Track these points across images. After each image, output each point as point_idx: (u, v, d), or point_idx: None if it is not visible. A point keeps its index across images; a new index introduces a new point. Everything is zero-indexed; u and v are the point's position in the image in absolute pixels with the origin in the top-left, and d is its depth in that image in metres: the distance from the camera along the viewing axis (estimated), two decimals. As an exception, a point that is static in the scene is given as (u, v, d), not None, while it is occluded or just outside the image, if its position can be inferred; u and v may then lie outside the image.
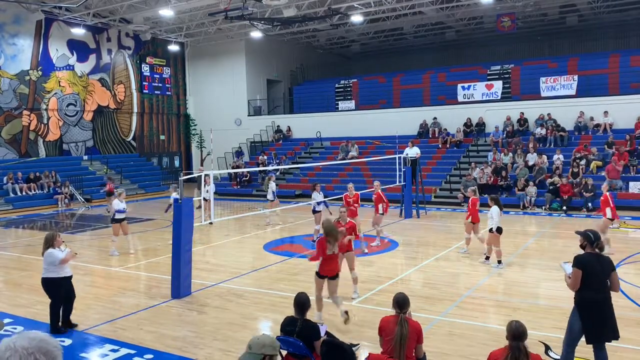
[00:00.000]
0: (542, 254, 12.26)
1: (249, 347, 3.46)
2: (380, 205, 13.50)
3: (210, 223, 16.04)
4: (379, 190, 13.75)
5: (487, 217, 11.35)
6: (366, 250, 12.82)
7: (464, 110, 25.88)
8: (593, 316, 5.67)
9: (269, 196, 17.49)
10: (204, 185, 17.80)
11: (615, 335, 5.72)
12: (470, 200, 12.35)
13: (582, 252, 5.92)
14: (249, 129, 31.29)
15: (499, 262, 11.05)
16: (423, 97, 28.32)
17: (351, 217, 12.68)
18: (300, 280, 10.24)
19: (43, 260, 7.77)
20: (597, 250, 5.81)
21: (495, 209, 11.00)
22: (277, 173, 27.00)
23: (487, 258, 11.32)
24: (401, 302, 5.24)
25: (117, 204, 13.08)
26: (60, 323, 7.82)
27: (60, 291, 7.77)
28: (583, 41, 31.34)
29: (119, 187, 18.37)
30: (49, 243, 7.72)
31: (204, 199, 17.61)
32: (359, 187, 16.64)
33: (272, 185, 17.66)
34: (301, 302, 5.33)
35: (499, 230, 10.93)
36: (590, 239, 5.83)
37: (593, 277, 5.67)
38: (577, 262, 5.73)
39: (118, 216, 12.97)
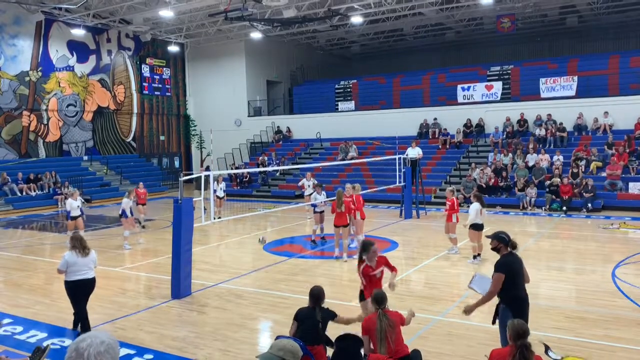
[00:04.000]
0: (542, 255, 12.26)
1: (270, 346, 3.56)
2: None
3: (219, 217, 16.11)
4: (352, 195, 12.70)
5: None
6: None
7: (464, 111, 25.88)
8: (522, 314, 5.77)
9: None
10: (217, 184, 18.31)
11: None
12: (451, 201, 12.54)
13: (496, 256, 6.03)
14: (249, 129, 31.29)
15: (474, 257, 11.47)
16: (423, 97, 28.32)
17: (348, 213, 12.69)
18: (300, 281, 10.24)
19: (90, 260, 7.49)
20: (510, 249, 5.90)
21: (473, 206, 11.40)
22: (278, 174, 27.05)
23: (474, 257, 11.54)
24: (379, 299, 5.47)
25: (72, 203, 13.92)
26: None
27: None
28: (583, 42, 31.35)
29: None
30: (86, 243, 7.59)
31: (218, 196, 18.05)
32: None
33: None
34: (317, 294, 5.69)
35: (473, 226, 11.33)
36: (505, 240, 5.91)
37: (517, 276, 5.81)
38: (501, 267, 5.78)
39: (74, 214, 13.92)
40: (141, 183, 18.27)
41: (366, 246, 6.66)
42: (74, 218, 13.98)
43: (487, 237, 6.19)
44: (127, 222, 14.21)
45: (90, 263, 7.49)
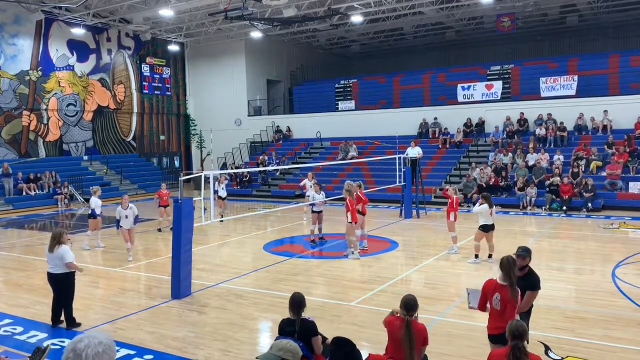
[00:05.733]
0: (542, 255, 12.24)
1: (270, 347, 3.56)
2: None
3: (221, 221, 16.09)
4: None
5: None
6: (366, 246, 13.00)
7: (464, 110, 25.87)
8: (525, 317, 5.87)
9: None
10: (219, 184, 18.24)
11: None
12: (451, 199, 12.57)
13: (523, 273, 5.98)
14: (249, 129, 31.29)
15: (475, 256, 11.50)
16: (423, 97, 28.32)
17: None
18: (301, 281, 10.24)
19: (54, 257, 7.77)
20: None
21: (482, 206, 11.39)
22: (277, 173, 27.04)
23: (475, 256, 11.54)
24: (409, 305, 5.14)
25: (97, 201, 13.86)
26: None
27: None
28: (583, 41, 31.36)
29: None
30: (59, 240, 7.81)
31: (220, 197, 17.98)
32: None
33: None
34: (297, 302, 5.33)
35: (482, 227, 11.37)
36: (530, 254, 5.99)
37: None
38: (539, 283, 5.84)
39: (99, 211, 13.96)
40: (163, 184, 17.11)
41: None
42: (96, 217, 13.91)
43: (518, 255, 5.92)
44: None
45: (55, 260, 7.80)
